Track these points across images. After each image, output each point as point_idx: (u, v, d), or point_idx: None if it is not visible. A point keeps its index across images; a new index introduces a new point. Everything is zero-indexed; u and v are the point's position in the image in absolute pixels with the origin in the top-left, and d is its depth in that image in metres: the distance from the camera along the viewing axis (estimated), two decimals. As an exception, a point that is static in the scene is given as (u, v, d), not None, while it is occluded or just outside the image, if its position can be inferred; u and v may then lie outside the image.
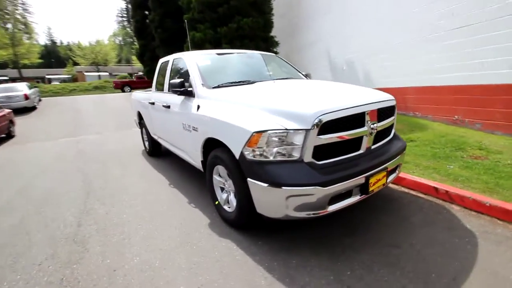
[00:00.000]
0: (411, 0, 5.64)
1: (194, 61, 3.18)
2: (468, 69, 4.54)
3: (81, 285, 1.96)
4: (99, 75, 38.67)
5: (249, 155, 2.06)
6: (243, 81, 3.01)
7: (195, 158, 3.08)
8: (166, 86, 3.76)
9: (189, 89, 2.95)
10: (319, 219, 2.49)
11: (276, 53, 9.59)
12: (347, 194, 2.12)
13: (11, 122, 8.40)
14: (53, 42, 60.70)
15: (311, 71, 4.97)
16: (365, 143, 2.26)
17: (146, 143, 5.46)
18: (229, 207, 2.58)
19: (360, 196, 2.19)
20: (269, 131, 1.95)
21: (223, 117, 2.30)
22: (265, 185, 1.97)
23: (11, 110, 8.87)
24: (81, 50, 42.84)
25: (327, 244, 2.23)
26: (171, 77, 3.69)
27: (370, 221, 2.53)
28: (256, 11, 9.40)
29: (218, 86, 2.87)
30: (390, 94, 2.61)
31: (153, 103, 4.16)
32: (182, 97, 3.14)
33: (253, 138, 2.00)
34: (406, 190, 3.12)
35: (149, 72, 17.04)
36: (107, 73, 42.96)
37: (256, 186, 2.05)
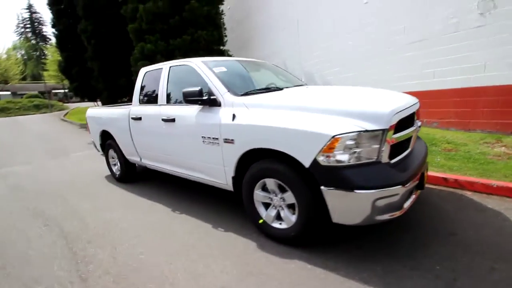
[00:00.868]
0: (366, 16, 6.32)
1: (207, 67, 2.86)
2: (422, 77, 5.37)
3: None
4: (-3, 96, 31.76)
5: (324, 161, 1.90)
6: (269, 88, 2.85)
7: (219, 176, 2.71)
8: (162, 98, 3.27)
9: (212, 97, 2.61)
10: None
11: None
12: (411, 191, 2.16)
13: None
14: None
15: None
16: (412, 142, 2.37)
17: (115, 168, 4.63)
18: (280, 224, 2.33)
19: (416, 191, 2.25)
20: (350, 134, 1.84)
21: (282, 124, 2.08)
22: (349, 191, 1.84)
23: None
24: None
25: (394, 244, 2.21)
26: (169, 87, 3.25)
27: (413, 216, 2.59)
28: (211, 24, 9.30)
29: (246, 94, 2.63)
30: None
31: (139, 118, 3.56)
32: (197, 107, 2.76)
33: (331, 143, 1.86)
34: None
35: (78, 88, 14.78)
36: (8, 92, 35.79)
37: (336, 194, 1.89)
